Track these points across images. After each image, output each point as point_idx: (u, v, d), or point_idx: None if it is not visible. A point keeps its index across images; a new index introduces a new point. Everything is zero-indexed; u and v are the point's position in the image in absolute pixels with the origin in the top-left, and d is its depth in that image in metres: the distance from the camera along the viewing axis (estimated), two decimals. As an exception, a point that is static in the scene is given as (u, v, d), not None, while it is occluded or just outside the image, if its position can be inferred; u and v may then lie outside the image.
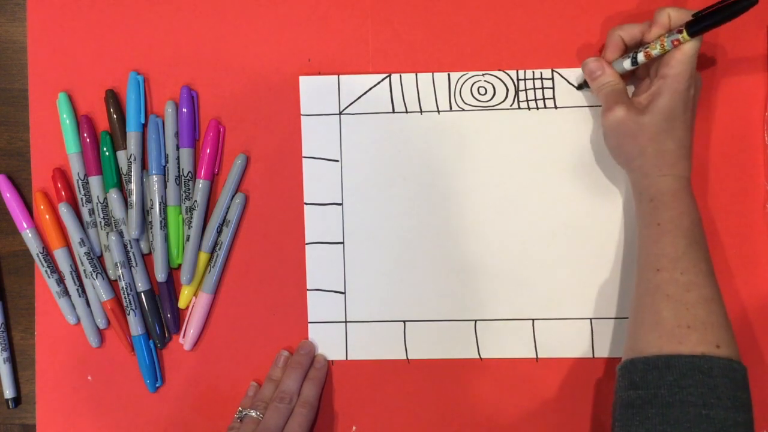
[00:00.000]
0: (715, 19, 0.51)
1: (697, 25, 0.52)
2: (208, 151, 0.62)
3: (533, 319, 0.61)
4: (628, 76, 0.58)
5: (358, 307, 0.62)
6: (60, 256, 0.62)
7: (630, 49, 0.57)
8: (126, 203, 0.62)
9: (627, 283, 0.60)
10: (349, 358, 0.62)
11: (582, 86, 0.60)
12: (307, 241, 0.62)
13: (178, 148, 0.62)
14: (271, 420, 0.56)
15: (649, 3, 0.61)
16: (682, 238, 0.52)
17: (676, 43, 0.52)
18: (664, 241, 0.52)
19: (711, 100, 0.60)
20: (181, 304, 0.62)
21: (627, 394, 0.50)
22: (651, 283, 0.52)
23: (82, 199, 0.62)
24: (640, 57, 0.55)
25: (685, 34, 0.52)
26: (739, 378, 0.49)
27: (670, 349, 0.49)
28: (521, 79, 0.61)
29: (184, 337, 0.62)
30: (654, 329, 0.51)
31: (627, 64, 0.56)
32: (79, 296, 0.62)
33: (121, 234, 0.61)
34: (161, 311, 0.63)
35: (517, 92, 0.61)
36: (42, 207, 0.62)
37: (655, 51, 0.54)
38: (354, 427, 0.62)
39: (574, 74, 0.61)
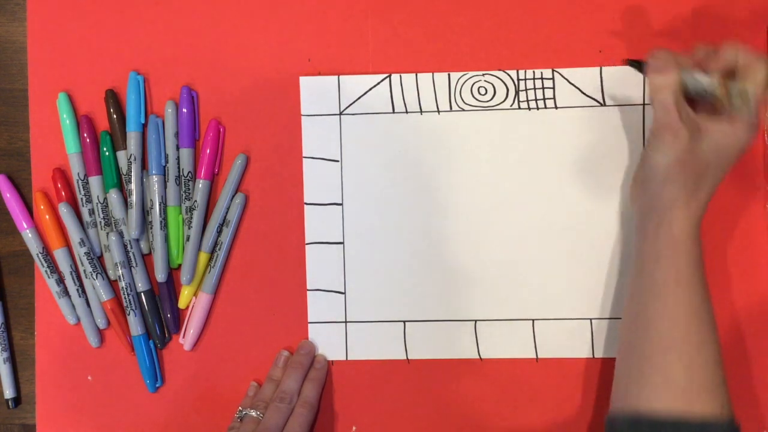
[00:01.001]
0: None
1: None
2: (208, 151, 0.62)
3: (533, 319, 0.61)
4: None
5: (358, 307, 0.62)
6: (60, 256, 0.62)
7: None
8: (126, 203, 0.62)
9: (627, 283, 0.60)
10: (349, 358, 0.62)
11: (633, 64, 0.54)
12: (307, 241, 0.62)
13: (178, 148, 0.62)
14: (271, 420, 0.56)
15: (648, 1, 0.61)
16: (697, 294, 0.50)
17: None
18: (680, 293, 0.50)
19: (711, 100, 0.60)
20: (181, 304, 0.62)
21: None
22: (663, 336, 0.50)
23: (82, 199, 0.62)
24: (718, 90, 0.49)
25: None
26: None
27: (681, 408, 0.48)
28: (521, 79, 0.61)
29: (184, 337, 0.62)
30: (665, 386, 0.49)
31: (705, 81, 0.50)
32: (79, 296, 0.62)
33: (121, 234, 0.61)
34: (161, 311, 0.63)
35: (517, 92, 0.61)
36: (42, 207, 0.62)
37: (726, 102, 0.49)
38: (354, 427, 0.62)
39: (575, 74, 0.61)
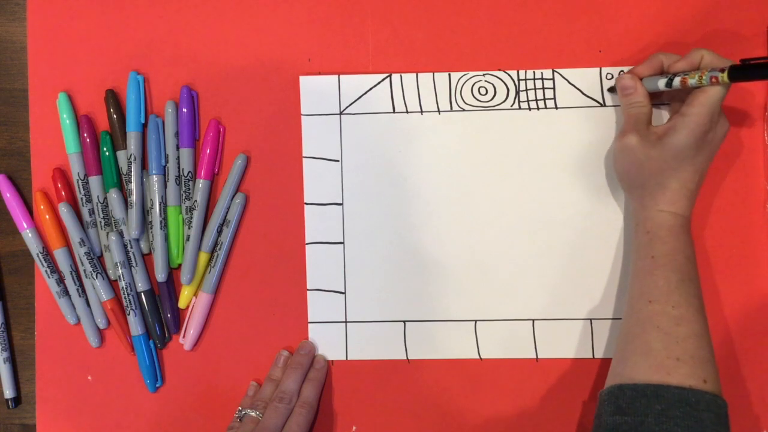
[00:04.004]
0: (763, 72, 0.50)
1: (740, 72, 0.51)
2: (208, 151, 0.62)
3: (533, 319, 0.61)
4: (656, 98, 0.58)
5: (358, 307, 0.62)
6: (60, 256, 0.62)
7: (665, 74, 0.56)
8: (126, 203, 0.62)
9: (627, 283, 0.60)
10: (349, 358, 0.62)
11: (612, 89, 0.60)
12: (307, 241, 0.62)
13: (178, 148, 0.62)
14: (270, 420, 0.56)
15: (648, 2, 0.61)
16: (674, 273, 0.53)
17: (714, 80, 0.52)
18: (657, 274, 0.53)
19: (711, 101, 0.60)
20: (181, 304, 0.62)
21: (613, 419, 0.50)
22: (642, 313, 0.53)
23: (82, 199, 0.62)
24: (676, 82, 0.54)
25: (725, 75, 0.51)
26: (723, 414, 0.50)
27: (659, 379, 0.50)
28: (522, 80, 0.61)
29: (184, 337, 0.62)
30: (644, 359, 0.51)
31: (661, 84, 0.55)
32: (79, 296, 0.62)
33: (121, 234, 0.61)
34: (161, 311, 0.63)
35: (517, 92, 0.61)
36: (42, 207, 0.62)
37: (692, 81, 0.53)
38: (354, 427, 0.62)
39: (575, 74, 0.61)
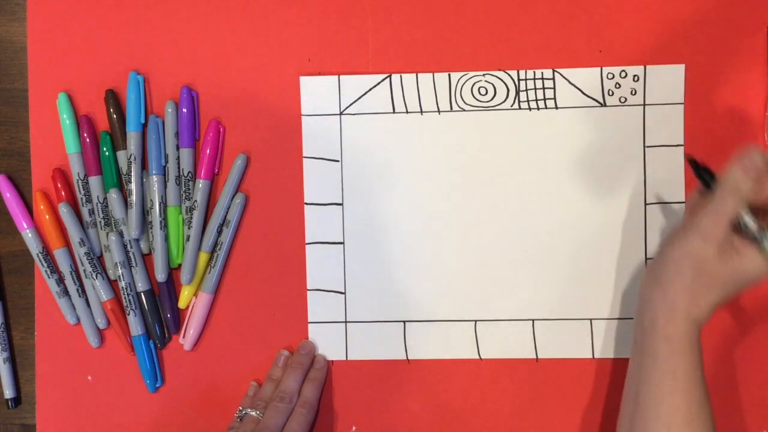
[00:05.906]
0: None
1: None
2: (208, 151, 0.62)
3: (533, 320, 0.61)
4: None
5: (358, 307, 0.62)
6: (60, 256, 0.62)
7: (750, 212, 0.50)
8: (126, 203, 0.62)
9: (627, 283, 0.60)
10: (349, 358, 0.62)
11: (709, 185, 0.52)
12: (307, 241, 0.62)
13: (178, 148, 0.62)
14: (270, 419, 0.57)
15: (648, 1, 0.61)
16: (696, 398, 0.49)
17: None
18: (679, 398, 0.49)
19: (711, 100, 0.60)
20: (181, 304, 0.62)
21: None
22: None
23: (82, 199, 0.62)
24: (752, 228, 0.49)
25: None
26: None
27: None
28: (522, 80, 0.61)
29: (184, 337, 0.62)
30: None
31: (745, 221, 0.49)
32: (79, 296, 0.62)
33: (121, 234, 0.61)
34: (161, 311, 0.63)
35: (518, 92, 0.61)
36: (42, 207, 0.62)
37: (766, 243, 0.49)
38: (354, 427, 0.62)
39: (575, 74, 0.61)
